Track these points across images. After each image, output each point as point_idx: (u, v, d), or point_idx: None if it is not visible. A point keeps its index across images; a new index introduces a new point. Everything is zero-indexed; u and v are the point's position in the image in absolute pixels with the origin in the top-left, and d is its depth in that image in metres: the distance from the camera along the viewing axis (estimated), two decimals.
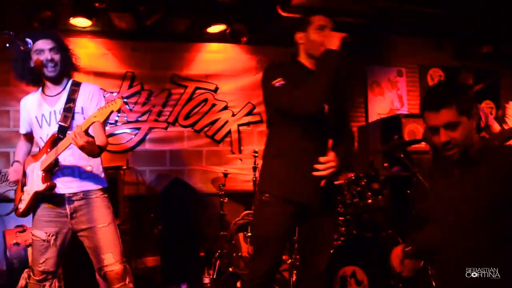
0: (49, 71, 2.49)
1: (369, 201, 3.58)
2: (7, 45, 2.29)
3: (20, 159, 2.71)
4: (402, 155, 3.76)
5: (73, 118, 2.50)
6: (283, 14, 4.53)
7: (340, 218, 3.57)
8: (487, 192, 1.78)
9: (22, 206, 2.56)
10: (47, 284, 2.54)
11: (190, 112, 5.22)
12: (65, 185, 2.51)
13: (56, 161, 2.45)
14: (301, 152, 2.18)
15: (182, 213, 4.28)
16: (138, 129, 5.05)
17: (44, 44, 2.47)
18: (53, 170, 2.47)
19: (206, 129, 5.24)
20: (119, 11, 4.51)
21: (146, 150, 5.07)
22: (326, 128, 2.20)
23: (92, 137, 2.31)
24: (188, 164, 5.16)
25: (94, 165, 2.58)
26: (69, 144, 2.34)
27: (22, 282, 2.62)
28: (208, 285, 4.04)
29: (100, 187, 2.59)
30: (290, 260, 3.22)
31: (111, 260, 2.48)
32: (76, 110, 2.52)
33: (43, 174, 2.44)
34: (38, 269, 2.52)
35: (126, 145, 5.00)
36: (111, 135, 4.94)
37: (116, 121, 5.00)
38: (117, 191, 4.13)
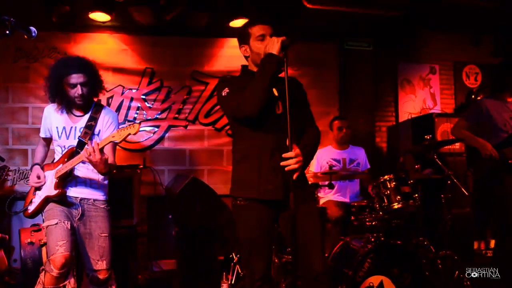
0: (78, 102, 2.71)
1: (399, 205, 3.34)
2: (7, 32, 2.14)
3: (39, 162, 2.88)
4: (435, 156, 3.53)
5: (92, 135, 2.75)
6: (309, 6, 4.34)
7: (367, 223, 3.34)
8: None
9: (31, 208, 2.76)
10: (67, 282, 2.57)
11: (211, 110, 5.06)
12: (78, 191, 2.76)
13: (71, 171, 2.70)
14: (261, 152, 2.30)
15: (200, 215, 4.10)
16: (157, 127, 4.93)
17: (77, 79, 2.64)
18: (67, 179, 2.72)
19: (227, 127, 5.04)
20: (138, 5, 4.41)
21: (165, 149, 4.95)
22: (283, 128, 2.23)
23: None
24: (208, 164, 5.01)
25: (104, 178, 2.84)
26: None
27: (38, 287, 2.60)
28: None
29: (106, 198, 2.85)
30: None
31: (103, 266, 2.74)
32: (95, 131, 2.76)
33: (57, 181, 2.69)
34: (56, 256, 2.52)
35: (144, 144, 4.88)
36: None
37: (135, 118, 4.88)
38: (132, 191, 4.00)
